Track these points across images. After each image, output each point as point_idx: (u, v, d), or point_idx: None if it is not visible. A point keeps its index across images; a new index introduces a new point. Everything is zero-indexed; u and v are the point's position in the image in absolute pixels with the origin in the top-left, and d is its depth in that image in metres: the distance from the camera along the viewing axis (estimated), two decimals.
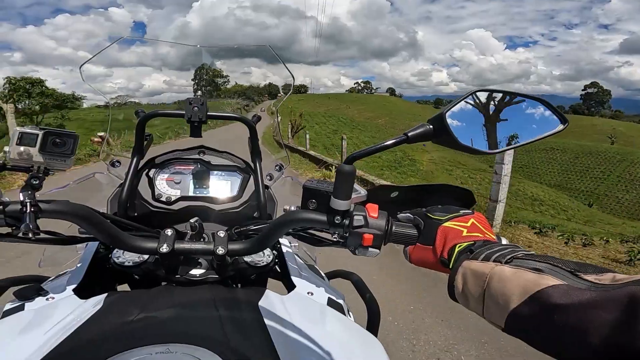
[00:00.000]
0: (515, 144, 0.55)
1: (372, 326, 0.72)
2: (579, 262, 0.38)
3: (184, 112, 0.74)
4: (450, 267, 0.49)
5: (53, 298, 0.57)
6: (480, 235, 0.52)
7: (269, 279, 0.81)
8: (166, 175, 0.83)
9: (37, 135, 0.54)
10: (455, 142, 0.52)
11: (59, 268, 0.76)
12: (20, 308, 0.55)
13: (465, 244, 0.50)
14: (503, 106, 0.54)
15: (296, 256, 0.84)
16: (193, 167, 0.84)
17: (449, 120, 0.51)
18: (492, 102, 0.55)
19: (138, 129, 0.79)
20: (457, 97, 0.54)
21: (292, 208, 0.62)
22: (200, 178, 0.84)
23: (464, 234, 0.52)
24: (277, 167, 0.95)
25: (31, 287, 0.58)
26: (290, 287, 0.69)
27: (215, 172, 0.85)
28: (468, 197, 0.67)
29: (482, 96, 0.54)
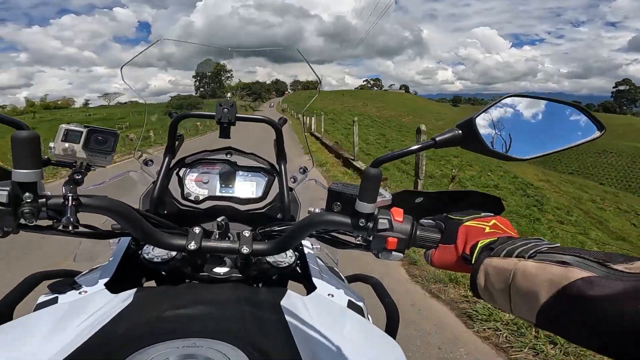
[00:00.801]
0: (548, 150, 0.53)
1: (391, 330, 0.72)
2: (606, 252, 0.37)
3: (214, 113, 0.77)
4: (472, 263, 0.48)
5: (86, 292, 0.60)
6: (502, 233, 0.51)
7: (289, 280, 0.82)
8: (195, 175, 0.85)
9: (82, 132, 0.57)
10: (485, 148, 0.51)
11: (92, 263, 0.79)
12: (54, 301, 0.57)
13: (488, 240, 0.49)
14: (536, 112, 0.53)
15: (317, 258, 0.84)
16: (220, 168, 0.87)
17: (479, 126, 0.50)
18: (524, 108, 0.54)
19: (171, 130, 0.82)
20: (490, 100, 0.53)
21: (317, 210, 0.62)
22: (227, 178, 0.86)
23: (486, 231, 0.51)
24: (301, 170, 0.96)
25: (65, 281, 0.60)
26: (310, 288, 0.70)
27: (242, 173, 0.87)
28: (496, 204, 0.65)
29: (514, 102, 0.53)
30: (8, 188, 0.48)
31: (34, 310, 0.56)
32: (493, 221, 0.53)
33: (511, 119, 0.54)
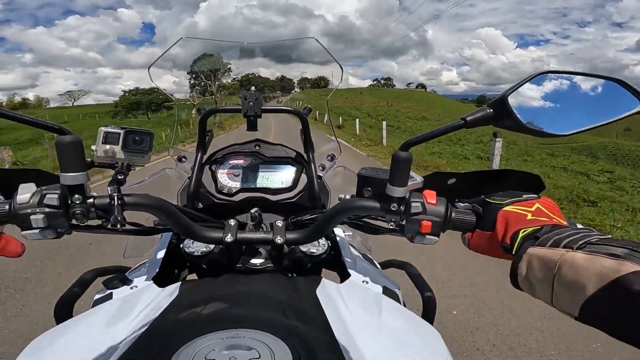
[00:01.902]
0: (588, 125, 0.50)
1: (428, 316, 0.71)
2: None
3: (240, 107, 0.78)
4: (514, 253, 0.46)
5: (136, 287, 0.63)
6: (547, 220, 0.48)
7: (323, 268, 0.83)
8: (226, 169, 0.87)
9: (119, 134, 0.59)
10: (519, 124, 0.49)
11: (140, 258, 0.84)
12: (109, 297, 0.61)
13: (531, 229, 0.46)
14: (571, 88, 0.51)
15: (350, 245, 0.84)
16: (250, 160, 0.88)
17: (511, 103, 0.49)
18: (558, 84, 0.52)
19: (200, 126, 0.84)
20: (519, 80, 0.51)
21: (347, 197, 0.62)
22: (257, 170, 0.87)
23: (529, 217, 0.48)
24: (329, 158, 0.96)
25: (117, 277, 0.64)
26: (344, 276, 0.70)
27: (271, 163, 0.89)
28: (536, 182, 0.62)
29: (548, 78, 0.51)
30: (58, 191, 0.51)
31: (92, 306, 0.60)
32: (536, 205, 0.50)
33: (546, 95, 0.52)
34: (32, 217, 0.50)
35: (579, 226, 0.46)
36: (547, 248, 0.42)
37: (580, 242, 0.39)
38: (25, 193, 0.51)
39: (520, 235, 0.47)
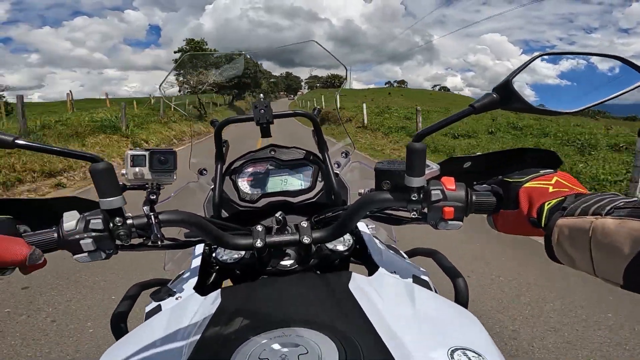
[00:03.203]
0: (594, 101, 0.51)
1: (461, 301, 0.71)
2: None
3: (252, 116, 0.81)
4: (543, 226, 0.46)
5: (181, 297, 0.67)
6: (568, 190, 0.47)
7: (351, 263, 0.84)
8: (246, 177, 0.90)
9: (145, 155, 0.62)
10: (526, 105, 0.50)
11: (178, 269, 0.87)
12: (158, 309, 0.65)
13: (555, 200, 0.46)
14: (571, 67, 0.53)
15: (375, 238, 0.86)
16: (267, 165, 0.91)
17: (516, 86, 0.51)
18: (560, 64, 0.53)
19: (216, 137, 0.87)
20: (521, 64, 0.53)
21: (367, 191, 0.64)
22: (276, 174, 0.90)
23: (550, 190, 0.48)
24: (343, 155, 0.98)
25: (162, 290, 0.68)
26: (372, 269, 0.71)
27: (288, 166, 0.91)
28: (552, 158, 0.62)
29: (549, 59, 0.53)
30: (101, 216, 0.55)
31: (145, 319, 0.64)
32: (555, 178, 0.50)
33: (549, 76, 0.54)
34: (81, 242, 0.54)
35: (606, 193, 0.45)
36: (576, 217, 0.41)
37: (608, 208, 0.39)
38: (71, 220, 0.55)
39: (546, 207, 0.46)
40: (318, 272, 0.77)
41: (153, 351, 0.52)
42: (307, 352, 0.43)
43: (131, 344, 0.55)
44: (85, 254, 0.55)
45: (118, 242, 0.56)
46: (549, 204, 0.47)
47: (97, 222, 0.54)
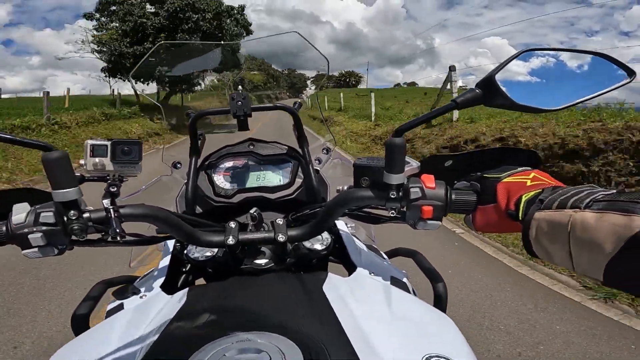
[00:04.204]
0: (578, 99, 0.51)
1: (440, 304, 0.70)
2: None
3: (229, 108, 0.77)
4: (520, 219, 0.45)
5: (145, 296, 0.63)
6: (546, 183, 0.47)
7: (329, 263, 0.83)
8: (222, 171, 0.87)
9: (107, 145, 0.58)
10: (509, 102, 0.49)
11: (146, 266, 0.84)
12: (120, 307, 0.61)
13: (532, 193, 0.45)
14: (557, 64, 0.52)
15: (354, 237, 0.84)
16: (245, 160, 0.88)
17: (499, 82, 0.49)
18: (544, 61, 0.52)
19: (191, 129, 0.83)
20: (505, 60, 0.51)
21: (345, 188, 0.62)
22: (254, 169, 0.87)
23: (528, 184, 0.48)
24: (324, 151, 0.96)
25: (126, 287, 0.64)
26: (351, 268, 0.70)
27: (266, 162, 0.88)
28: (533, 158, 0.62)
29: (534, 55, 0.52)
30: (52, 209, 0.51)
31: (106, 317, 0.60)
32: (532, 174, 0.50)
33: (533, 72, 0.52)
34: (30, 236, 0.50)
35: (583, 185, 0.44)
36: (554, 210, 0.41)
37: (587, 201, 0.38)
38: (20, 213, 0.51)
39: (524, 199, 0.46)
40: (295, 271, 0.74)
41: (105, 352, 0.49)
42: (270, 359, 0.41)
43: (84, 344, 0.52)
44: (35, 249, 0.51)
45: (73, 237, 0.52)
46: (527, 195, 0.46)
47: (48, 215, 0.51)
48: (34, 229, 0.51)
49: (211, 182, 0.85)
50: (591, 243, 0.36)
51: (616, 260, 0.34)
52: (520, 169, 0.53)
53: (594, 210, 0.36)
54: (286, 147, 0.90)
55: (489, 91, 0.50)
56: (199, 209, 0.85)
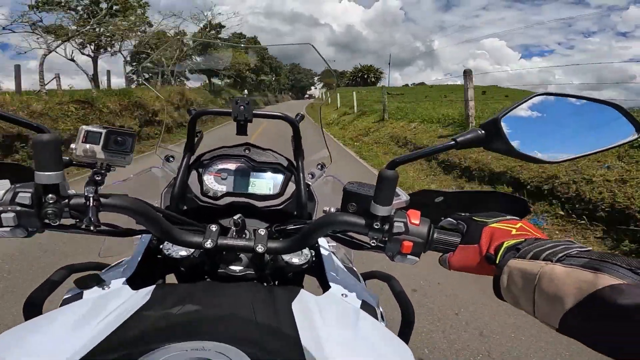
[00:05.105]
0: (580, 153, 0.51)
1: (406, 330, 0.71)
2: None
3: (230, 110, 0.77)
4: (497, 263, 0.47)
5: (109, 287, 0.61)
6: (530, 235, 0.49)
7: (305, 276, 0.82)
8: (214, 172, 0.86)
9: (101, 133, 0.57)
10: (510, 149, 0.49)
11: (117, 257, 0.81)
12: (79, 297, 0.58)
13: (514, 241, 0.47)
14: (568, 111, 0.51)
15: (333, 255, 0.83)
16: (238, 164, 0.87)
17: (504, 126, 0.49)
18: (555, 107, 0.51)
19: (190, 126, 0.83)
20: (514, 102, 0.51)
21: (332, 210, 0.62)
22: (245, 175, 0.86)
23: (513, 233, 0.49)
24: (319, 166, 0.96)
25: (90, 277, 0.61)
26: (325, 287, 0.69)
27: (259, 169, 0.87)
28: (522, 206, 0.63)
29: (543, 100, 0.51)
30: (31, 190, 0.50)
31: (60, 305, 0.57)
32: (520, 224, 0.51)
33: (541, 118, 0.51)
34: (2, 215, 0.49)
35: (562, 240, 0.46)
36: (527, 260, 0.42)
37: (560, 255, 0.40)
38: None
39: (504, 245, 0.47)
40: (269, 282, 0.73)
41: (49, 342, 0.46)
42: None
43: (31, 331, 0.49)
44: (7, 229, 0.50)
45: (47, 220, 0.51)
46: (508, 243, 0.48)
47: (24, 196, 0.50)
48: (8, 208, 0.50)
49: (200, 181, 0.84)
50: (554, 295, 0.38)
51: (571, 313, 0.36)
52: (509, 217, 0.54)
53: (565, 265, 0.39)
54: (282, 157, 0.90)
55: (491, 133, 0.49)
56: (184, 208, 0.83)
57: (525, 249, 0.44)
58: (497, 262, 0.47)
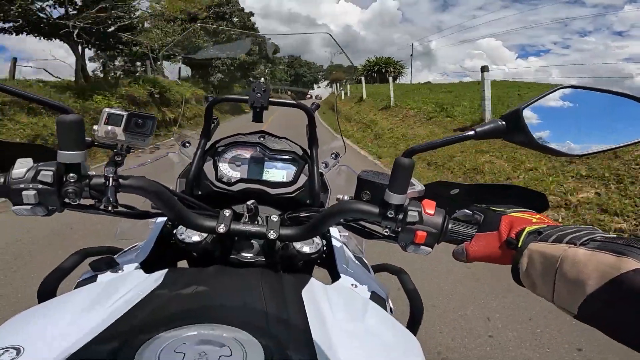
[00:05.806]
0: (604, 146, 0.49)
1: (414, 324, 0.71)
2: None
3: (247, 97, 0.77)
4: (519, 246, 0.45)
5: (122, 270, 0.62)
6: (551, 223, 0.47)
7: (315, 266, 0.82)
8: (229, 158, 0.86)
9: (123, 116, 0.58)
10: (531, 140, 0.48)
11: (132, 241, 0.82)
12: (93, 279, 0.60)
13: (536, 226, 0.46)
14: (592, 105, 0.50)
15: (344, 246, 0.84)
16: (253, 151, 0.88)
17: (526, 118, 0.48)
18: (579, 100, 0.50)
19: (207, 113, 0.84)
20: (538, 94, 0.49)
21: (345, 198, 0.62)
22: (259, 162, 0.87)
23: (534, 221, 0.48)
24: (333, 155, 0.95)
25: (104, 259, 0.62)
26: (335, 276, 0.69)
27: (273, 156, 0.88)
28: (541, 200, 0.62)
29: (568, 93, 0.50)
30: (53, 168, 0.51)
31: (75, 288, 0.58)
32: (538, 216, 0.50)
33: (564, 111, 0.50)
34: (24, 192, 0.50)
35: (585, 226, 0.45)
36: (549, 243, 0.41)
37: (584, 239, 0.39)
38: (21, 168, 0.51)
39: (526, 230, 0.46)
40: (280, 270, 0.73)
41: (62, 324, 0.47)
42: (231, 355, 0.40)
43: (45, 313, 0.50)
44: (27, 207, 0.51)
45: (67, 199, 0.52)
46: (530, 228, 0.46)
47: (47, 174, 0.51)
48: (30, 186, 0.51)
49: (215, 166, 0.85)
50: (575, 279, 0.36)
51: (592, 298, 0.35)
52: (526, 210, 0.53)
53: (588, 248, 0.37)
54: (296, 146, 0.90)
55: (512, 125, 0.48)
56: (199, 192, 0.84)
57: (547, 232, 0.43)
58: (520, 246, 0.45)
